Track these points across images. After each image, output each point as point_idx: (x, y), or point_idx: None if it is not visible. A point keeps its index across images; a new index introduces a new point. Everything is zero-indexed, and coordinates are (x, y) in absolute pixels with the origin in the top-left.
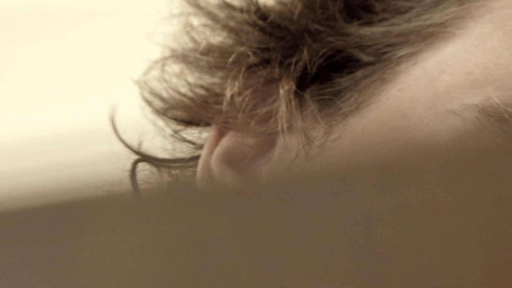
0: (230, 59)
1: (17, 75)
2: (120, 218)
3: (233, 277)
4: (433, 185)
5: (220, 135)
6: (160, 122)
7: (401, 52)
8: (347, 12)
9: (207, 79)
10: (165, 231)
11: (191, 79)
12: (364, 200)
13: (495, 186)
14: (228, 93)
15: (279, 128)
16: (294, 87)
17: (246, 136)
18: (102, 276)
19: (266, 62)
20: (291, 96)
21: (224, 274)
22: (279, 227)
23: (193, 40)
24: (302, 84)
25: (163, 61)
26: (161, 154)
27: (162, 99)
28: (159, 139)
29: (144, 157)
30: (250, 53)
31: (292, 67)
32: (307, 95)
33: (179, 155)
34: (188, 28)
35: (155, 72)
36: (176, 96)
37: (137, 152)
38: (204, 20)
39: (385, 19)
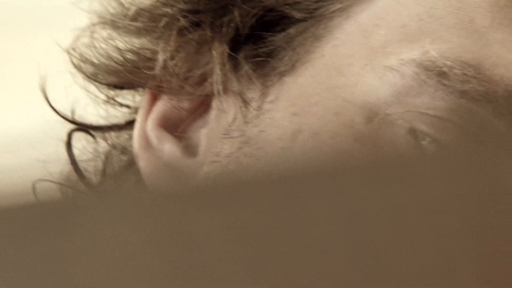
0: (160, 24)
1: None
2: (110, 215)
3: (222, 273)
4: (425, 181)
5: (154, 98)
6: (92, 89)
7: (333, 7)
8: None
9: (137, 44)
10: (155, 227)
11: (121, 44)
12: (357, 197)
13: (488, 181)
14: (160, 57)
15: (215, 91)
16: (227, 50)
17: (181, 99)
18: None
19: (197, 25)
20: (225, 59)
21: (213, 269)
22: (268, 222)
23: (121, 4)
24: (235, 45)
25: (91, 28)
26: (95, 122)
27: (93, 64)
28: (92, 106)
29: (79, 125)
30: (179, 16)
31: (224, 29)
32: (240, 57)
33: (113, 120)
34: None
35: (84, 40)
36: (107, 62)
37: (71, 121)
38: None
39: None
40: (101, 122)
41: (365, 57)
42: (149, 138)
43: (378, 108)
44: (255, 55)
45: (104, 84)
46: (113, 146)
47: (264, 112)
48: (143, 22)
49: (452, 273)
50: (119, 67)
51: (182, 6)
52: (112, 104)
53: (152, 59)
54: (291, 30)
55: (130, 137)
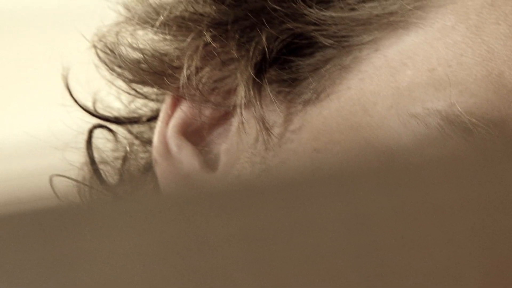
0: (188, 39)
1: None
2: (119, 220)
3: (232, 277)
4: (433, 186)
5: (176, 103)
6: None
7: (362, 39)
8: None
9: (161, 50)
10: (163, 231)
11: (146, 48)
12: (365, 201)
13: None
14: (185, 71)
15: (237, 113)
16: (252, 75)
17: (203, 106)
18: (102, 277)
19: (223, 42)
20: (250, 84)
21: (223, 273)
22: (277, 227)
23: (152, 9)
24: (261, 68)
25: (118, 26)
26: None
27: (119, 59)
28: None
29: (101, 118)
30: (206, 32)
31: (251, 52)
32: (265, 80)
33: (134, 116)
34: None
35: (111, 38)
36: (130, 65)
37: (93, 114)
38: None
39: (347, 4)
40: (122, 118)
41: (391, 98)
42: (169, 146)
43: (399, 156)
44: (281, 80)
45: (129, 80)
46: (132, 145)
47: (286, 141)
48: (171, 31)
49: (459, 278)
50: (145, 72)
51: (210, 21)
52: (133, 95)
53: (176, 67)
54: (319, 56)
55: (150, 138)
